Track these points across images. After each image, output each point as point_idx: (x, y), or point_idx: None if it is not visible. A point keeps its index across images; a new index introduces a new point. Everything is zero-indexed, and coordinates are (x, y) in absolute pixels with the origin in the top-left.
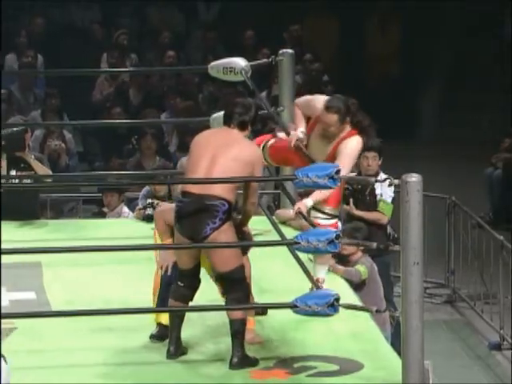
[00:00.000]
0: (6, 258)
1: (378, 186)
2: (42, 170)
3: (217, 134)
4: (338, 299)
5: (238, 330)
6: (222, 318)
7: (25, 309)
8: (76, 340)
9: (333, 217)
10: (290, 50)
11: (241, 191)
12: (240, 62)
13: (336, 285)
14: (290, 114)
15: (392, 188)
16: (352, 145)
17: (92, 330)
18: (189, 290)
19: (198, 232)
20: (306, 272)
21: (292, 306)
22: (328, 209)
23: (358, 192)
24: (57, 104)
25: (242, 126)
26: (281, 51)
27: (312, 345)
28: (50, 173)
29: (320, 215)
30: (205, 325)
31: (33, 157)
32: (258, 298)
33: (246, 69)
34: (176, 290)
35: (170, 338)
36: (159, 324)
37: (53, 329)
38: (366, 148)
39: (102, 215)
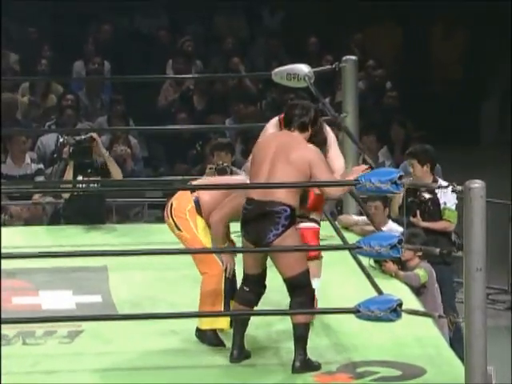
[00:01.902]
0: (73, 262)
1: (440, 194)
2: (117, 171)
3: (277, 138)
4: (400, 304)
5: (301, 335)
6: (284, 322)
7: (91, 312)
8: (141, 343)
9: (315, 222)
10: (353, 57)
11: None
12: (303, 68)
13: (398, 290)
14: (353, 120)
15: (455, 195)
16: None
17: (157, 333)
18: (254, 295)
19: (262, 238)
20: (369, 277)
21: (355, 311)
22: (314, 214)
23: (424, 203)
24: (122, 110)
25: (302, 128)
26: (344, 58)
27: (374, 350)
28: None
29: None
30: (267, 329)
31: (109, 157)
32: (321, 302)
33: (309, 75)
34: (241, 293)
35: (233, 342)
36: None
37: (119, 332)
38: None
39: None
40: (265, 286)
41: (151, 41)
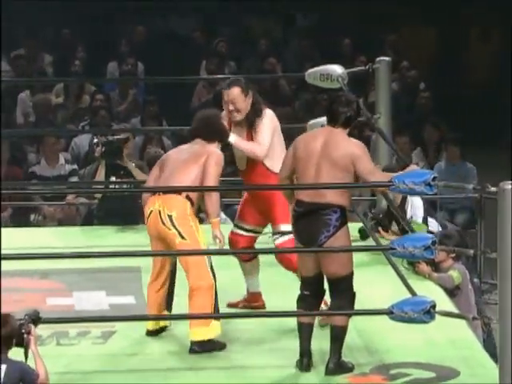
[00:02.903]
0: (106, 263)
1: (408, 206)
2: (142, 177)
3: (318, 138)
4: (434, 306)
5: (338, 336)
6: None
7: (124, 313)
8: (174, 343)
9: (288, 233)
10: (386, 58)
11: None
12: (337, 69)
13: (431, 291)
14: (386, 121)
15: (422, 208)
16: (265, 119)
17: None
18: (315, 298)
19: (314, 240)
20: (402, 278)
21: (388, 313)
22: (283, 227)
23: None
24: (156, 111)
25: (346, 124)
26: (378, 59)
27: (408, 351)
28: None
29: (276, 236)
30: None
31: (133, 164)
32: (355, 303)
33: (342, 76)
34: (303, 299)
35: (302, 351)
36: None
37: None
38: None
39: (200, 221)
40: (324, 287)
41: (185, 42)
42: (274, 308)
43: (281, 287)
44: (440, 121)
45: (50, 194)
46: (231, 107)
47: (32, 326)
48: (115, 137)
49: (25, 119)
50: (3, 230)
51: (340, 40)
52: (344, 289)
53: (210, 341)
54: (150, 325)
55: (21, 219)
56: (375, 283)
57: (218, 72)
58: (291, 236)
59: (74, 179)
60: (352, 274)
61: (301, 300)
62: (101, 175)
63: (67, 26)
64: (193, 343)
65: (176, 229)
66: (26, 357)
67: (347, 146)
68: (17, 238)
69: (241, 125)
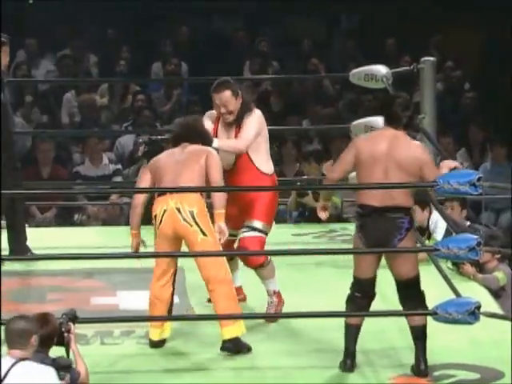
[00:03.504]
0: (150, 262)
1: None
2: None
3: (382, 141)
4: (478, 307)
5: (418, 336)
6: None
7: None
8: (218, 343)
9: (258, 230)
10: (431, 58)
11: None
12: (381, 69)
13: (476, 292)
14: (430, 122)
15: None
16: (252, 121)
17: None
18: (366, 301)
19: (385, 244)
20: (447, 279)
21: (432, 313)
22: (257, 223)
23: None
24: (199, 111)
25: (407, 126)
26: (422, 59)
27: (452, 352)
28: None
29: (243, 229)
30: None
31: None
32: (398, 304)
33: (387, 76)
34: (353, 301)
35: (347, 352)
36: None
37: (196, 332)
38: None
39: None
40: (375, 291)
41: (229, 42)
42: (293, 307)
43: (303, 286)
44: (485, 121)
45: (93, 194)
46: (223, 110)
47: (71, 325)
48: (158, 136)
49: (70, 119)
50: (47, 229)
51: (384, 40)
52: (415, 289)
53: (239, 338)
54: (158, 335)
55: (65, 219)
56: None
57: (261, 72)
58: (261, 234)
59: (118, 179)
60: (419, 273)
61: (351, 301)
62: None
63: (112, 27)
64: (225, 341)
65: (198, 225)
66: (68, 356)
67: (415, 150)
68: (61, 238)
69: (230, 123)
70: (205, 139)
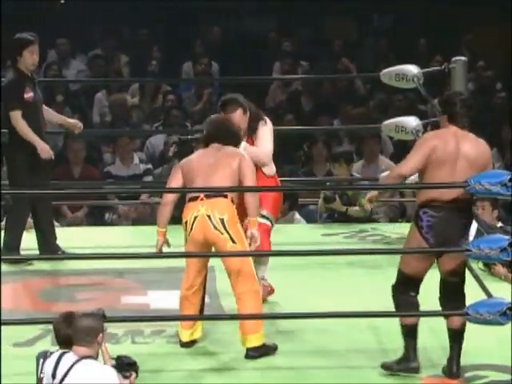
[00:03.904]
0: (180, 262)
1: None
2: None
3: (451, 139)
4: (510, 308)
5: (455, 339)
6: (389, 322)
7: None
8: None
9: (265, 218)
10: (462, 58)
11: None
12: (412, 69)
13: (508, 293)
14: None
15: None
16: (261, 130)
17: (265, 334)
18: (417, 299)
19: (452, 243)
20: (478, 280)
21: (464, 314)
22: (265, 212)
23: None
24: None
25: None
26: (453, 59)
27: (484, 353)
28: None
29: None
30: (373, 331)
31: None
32: (430, 304)
33: (418, 76)
34: (409, 300)
35: (409, 353)
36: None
37: (226, 332)
38: None
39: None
40: None
41: (260, 42)
42: (322, 307)
43: (332, 286)
44: None
45: (124, 194)
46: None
47: (133, 374)
48: (188, 136)
49: (101, 119)
50: (79, 229)
51: (416, 40)
52: (460, 288)
53: (264, 345)
54: (188, 336)
55: (96, 218)
56: None
57: (292, 72)
58: (266, 221)
59: (149, 179)
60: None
61: (406, 301)
62: None
63: (144, 27)
64: (248, 349)
65: (228, 233)
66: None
67: (484, 148)
68: (92, 237)
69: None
70: (235, 139)
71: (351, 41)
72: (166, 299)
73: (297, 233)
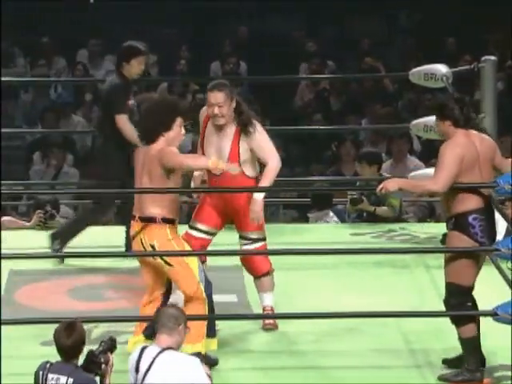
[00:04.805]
0: (208, 261)
1: None
2: None
3: (474, 142)
4: None
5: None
6: (416, 322)
7: (226, 311)
8: (274, 342)
9: (258, 240)
10: (492, 57)
11: None
12: (441, 68)
13: None
14: (491, 121)
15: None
16: (259, 131)
17: (288, 334)
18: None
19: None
20: (507, 279)
21: (493, 314)
22: (253, 233)
23: None
24: (258, 110)
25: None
26: (483, 58)
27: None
28: None
29: (244, 241)
30: (400, 329)
31: None
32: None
33: (447, 75)
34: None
35: (481, 362)
36: None
37: (255, 331)
38: None
39: (305, 220)
40: None
41: (287, 42)
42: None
43: (362, 286)
44: None
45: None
46: (216, 111)
47: (110, 356)
48: None
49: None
50: (108, 228)
51: (444, 39)
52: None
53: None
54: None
55: (124, 217)
56: (479, 284)
57: (319, 72)
58: (262, 243)
59: None
60: None
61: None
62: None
63: (172, 27)
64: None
65: (161, 257)
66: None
67: (488, 140)
68: (120, 236)
69: (224, 130)
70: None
71: (380, 40)
72: None
73: (325, 232)
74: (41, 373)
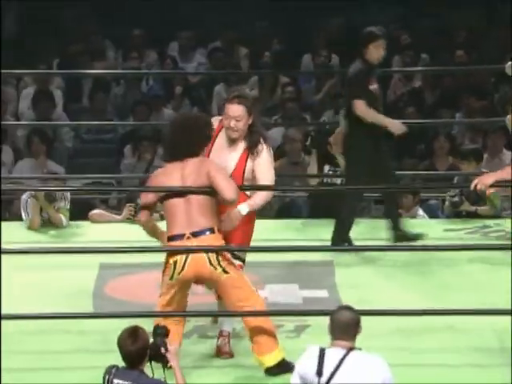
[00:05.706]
0: (299, 256)
1: None
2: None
3: None
4: None
5: None
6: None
7: (317, 306)
8: (368, 339)
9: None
10: None
11: None
12: None
13: None
14: None
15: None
16: (266, 156)
17: (382, 331)
18: None
19: None
20: None
21: None
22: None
23: None
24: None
25: None
26: None
27: None
28: None
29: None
30: (431, 334)
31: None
32: (486, 303)
33: None
34: None
35: None
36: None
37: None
38: None
39: None
40: None
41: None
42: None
43: (453, 282)
44: None
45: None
46: (232, 124)
47: (168, 343)
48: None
49: (219, 111)
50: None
51: None
52: None
53: (283, 360)
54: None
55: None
56: (508, 282)
57: (412, 65)
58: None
59: None
60: None
61: None
62: (313, 166)
63: (262, 19)
64: (269, 368)
65: (221, 266)
66: (164, 371)
67: None
68: None
69: (235, 144)
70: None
71: (478, 32)
72: (283, 293)
73: (419, 228)
74: (107, 377)
